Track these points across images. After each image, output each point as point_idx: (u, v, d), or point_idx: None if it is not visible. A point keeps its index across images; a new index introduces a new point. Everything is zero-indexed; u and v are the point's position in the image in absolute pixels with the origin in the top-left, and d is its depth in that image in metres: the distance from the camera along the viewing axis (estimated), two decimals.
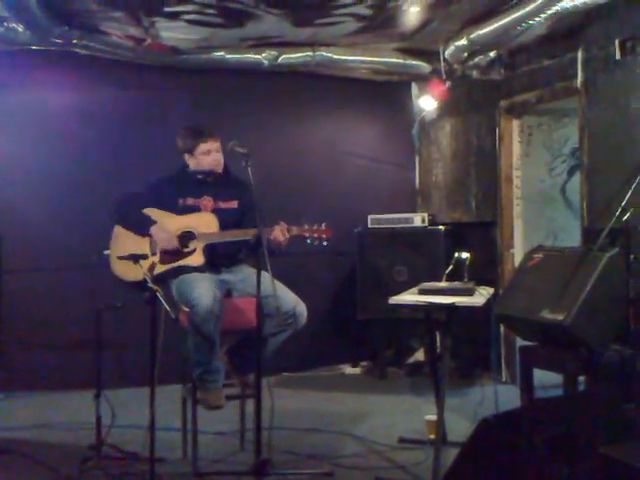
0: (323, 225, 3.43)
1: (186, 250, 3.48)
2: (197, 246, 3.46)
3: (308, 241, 3.41)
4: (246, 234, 3.23)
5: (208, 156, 3.59)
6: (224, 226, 3.51)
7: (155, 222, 3.50)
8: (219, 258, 3.53)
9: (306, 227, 3.42)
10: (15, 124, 4.91)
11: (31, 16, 4.02)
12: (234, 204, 3.64)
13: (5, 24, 4.21)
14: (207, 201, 3.60)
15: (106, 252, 3.55)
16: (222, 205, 3.63)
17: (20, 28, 4.23)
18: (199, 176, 3.65)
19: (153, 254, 3.48)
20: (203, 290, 3.27)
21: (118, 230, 3.58)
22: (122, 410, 3.62)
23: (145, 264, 3.16)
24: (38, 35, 4.30)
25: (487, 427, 2.33)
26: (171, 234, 3.47)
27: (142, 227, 3.51)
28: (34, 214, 4.90)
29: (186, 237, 3.49)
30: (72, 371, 4.75)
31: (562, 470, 2.36)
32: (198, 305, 3.23)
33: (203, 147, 3.59)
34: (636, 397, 3.12)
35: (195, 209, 3.58)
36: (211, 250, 3.47)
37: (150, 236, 3.50)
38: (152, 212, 3.57)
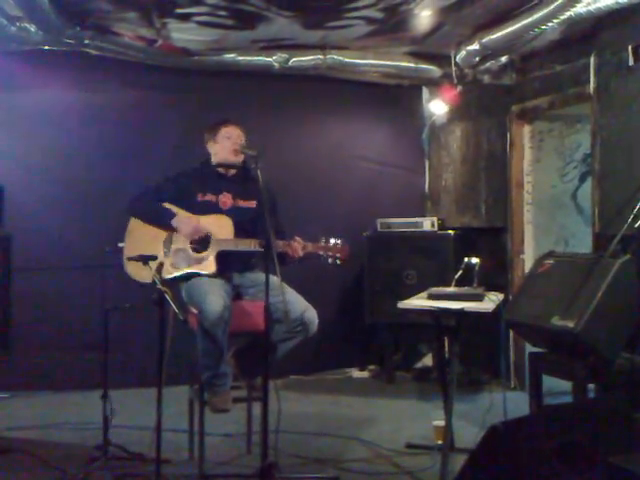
0: (339, 242, 3.34)
1: (199, 255, 3.47)
2: (210, 253, 3.44)
3: (322, 259, 3.33)
4: (261, 244, 3.18)
5: (229, 140, 3.59)
6: (241, 226, 3.49)
7: (175, 214, 3.48)
8: (232, 262, 3.50)
9: (322, 244, 3.34)
10: (26, 124, 4.93)
11: (43, 16, 4.03)
12: (253, 204, 3.61)
13: (18, 24, 4.22)
14: (226, 198, 3.58)
15: (120, 244, 3.54)
16: (241, 204, 3.60)
17: (32, 28, 4.24)
18: (220, 170, 3.63)
19: (166, 255, 3.47)
20: (213, 296, 3.25)
21: (133, 225, 3.57)
22: (129, 411, 3.62)
23: (154, 265, 3.16)
24: (50, 35, 4.32)
25: (496, 434, 2.31)
26: (196, 223, 3.44)
27: (163, 220, 3.49)
28: (42, 214, 4.91)
29: (200, 241, 3.48)
30: (79, 371, 4.76)
31: (570, 479, 2.34)
32: (207, 311, 3.22)
33: (224, 131, 3.61)
34: None
35: (214, 205, 3.55)
36: (224, 254, 3.45)
37: (172, 228, 3.48)
38: (170, 208, 3.54)
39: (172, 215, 3.49)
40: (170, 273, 3.43)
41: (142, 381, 4.35)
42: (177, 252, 3.48)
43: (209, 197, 3.57)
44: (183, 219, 3.48)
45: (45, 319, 4.85)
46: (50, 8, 3.95)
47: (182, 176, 3.66)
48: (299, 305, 3.37)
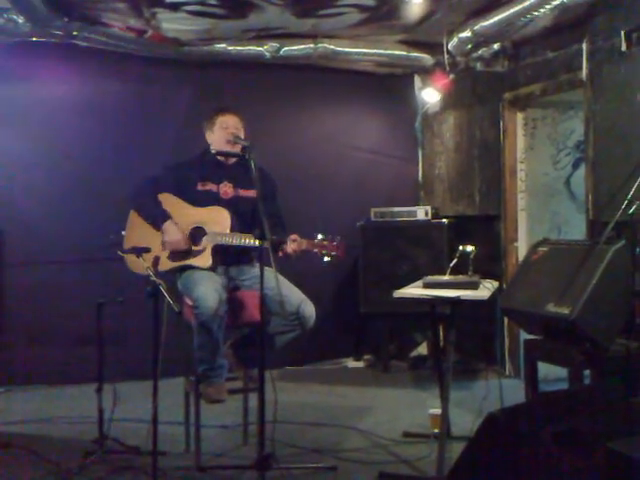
0: (336, 240, 3.29)
1: (195, 249, 3.45)
2: (206, 246, 3.42)
3: (318, 255, 3.29)
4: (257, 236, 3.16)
5: (225, 130, 3.54)
6: (241, 215, 3.47)
7: (169, 217, 3.46)
8: (229, 256, 3.48)
9: (317, 242, 3.30)
10: (15, 117, 4.88)
11: (31, 7, 3.99)
12: (253, 192, 3.50)
13: (5, 15, 4.17)
14: (227, 187, 3.55)
15: (124, 233, 3.52)
16: (242, 193, 3.57)
17: (20, 19, 4.19)
18: (220, 159, 3.59)
19: (163, 247, 3.45)
20: (208, 291, 3.23)
21: (133, 216, 3.55)
22: (124, 404, 3.61)
23: (148, 258, 3.14)
24: (38, 27, 4.27)
25: (493, 422, 2.31)
26: (182, 236, 3.42)
27: (155, 221, 3.47)
28: (35, 208, 4.88)
29: (197, 234, 3.45)
30: (74, 365, 4.74)
31: (568, 464, 2.34)
32: (202, 306, 3.21)
33: (221, 120, 3.56)
34: None
35: (214, 195, 3.52)
36: (221, 247, 3.42)
37: (161, 231, 3.46)
38: (167, 199, 3.51)
39: (165, 218, 3.46)
40: (167, 265, 3.42)
41: (137, 373, 4.33)
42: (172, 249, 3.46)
43: (210, 186, 3.54)
44: (172, 227, 3.44)
45: (39, 313, 4.82)
46: None
47: (181, 166, 3.62)
48: (295, 298, 3.35)
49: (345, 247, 3.32)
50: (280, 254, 3.27)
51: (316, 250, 3.29)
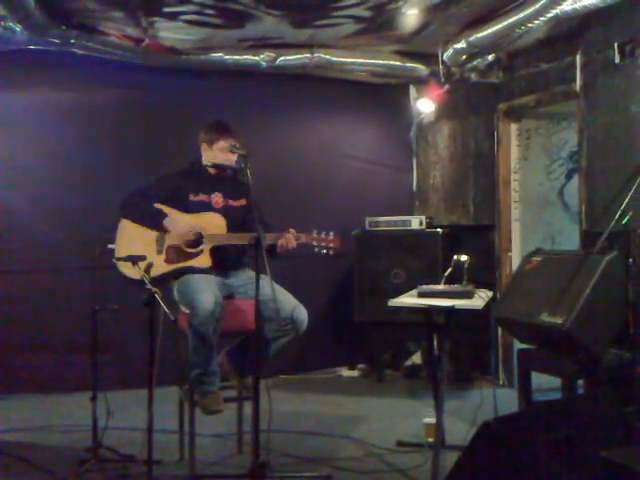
0: (331, 234, 3.39)
1: (194, 251, 3.46)
2: (204, 248, 3.44)
3: (315, 250, 3.39)
4: (252, 238, 3.19)
5: (223, 154, 3.57)
6: (233, 224, 3.51)
7: (165, 215, 3.47)
8: (224, 261, 3.51)
9: (314, 235, 3.39)
10: (12, 124, 4.88)
11: (29, 15, 4.00)
12: (243, 202, 3.61)
13: (3, 23, 4.19)
14: (218, 197, 3.59)
15: (111, 246, 3.52)
16: (232, 203, 3.61)
17: (18, 27, 4.21)
18: (212, 170, 3.62)
19: (159, 252, 3.46)
20: (205, 292, 3.25)
21: (124, 225, 3.55)
22: (119, 412, 3.60)
23: (143, 265, 3.14)
24: (36, 35, 4.29)
25: (488, 430, 2.32)
26: (188, 223, 3.44)
27: (153, 220, 3.47)
28: (31, 215, 4.87)
29: (194, 239, 3.46)
30: (69, 373, 4.73)
31: (563, 474, 2.36)
32: (199, 307, 3.22)
33: (222, 144, 3.57)
34: (635, 401, 3.12)
35: (206, 205, 3.55)
36: (217, 252, 3.45)
37: (164, 228, 3.47)
38: (161, 208, 3.52)
39: (164, 216, 3.47)
40: (164, 269, 3.42)
41: (132, 382, 4.32)
42: (170, 249, 3.47)
43: (201, 197, 3.57)
44: (175, 219, 3.46)
45: (33, 320, 4.82)
46: (35, 7, 3.93)
47: (173, 177, 3.64)
48: (288, 303, 3.38)
49: (340, 240, 3.40)
50: (282, 243, 3.33)
51: (315, 243, 3.36)
